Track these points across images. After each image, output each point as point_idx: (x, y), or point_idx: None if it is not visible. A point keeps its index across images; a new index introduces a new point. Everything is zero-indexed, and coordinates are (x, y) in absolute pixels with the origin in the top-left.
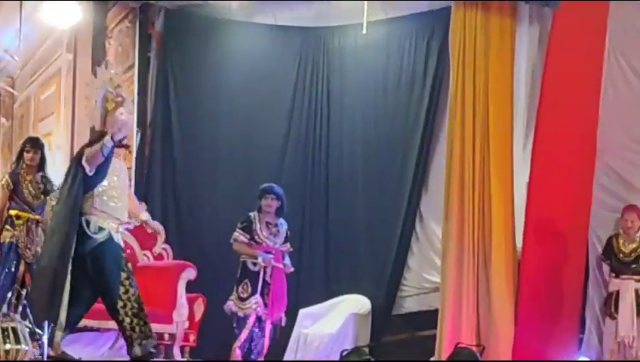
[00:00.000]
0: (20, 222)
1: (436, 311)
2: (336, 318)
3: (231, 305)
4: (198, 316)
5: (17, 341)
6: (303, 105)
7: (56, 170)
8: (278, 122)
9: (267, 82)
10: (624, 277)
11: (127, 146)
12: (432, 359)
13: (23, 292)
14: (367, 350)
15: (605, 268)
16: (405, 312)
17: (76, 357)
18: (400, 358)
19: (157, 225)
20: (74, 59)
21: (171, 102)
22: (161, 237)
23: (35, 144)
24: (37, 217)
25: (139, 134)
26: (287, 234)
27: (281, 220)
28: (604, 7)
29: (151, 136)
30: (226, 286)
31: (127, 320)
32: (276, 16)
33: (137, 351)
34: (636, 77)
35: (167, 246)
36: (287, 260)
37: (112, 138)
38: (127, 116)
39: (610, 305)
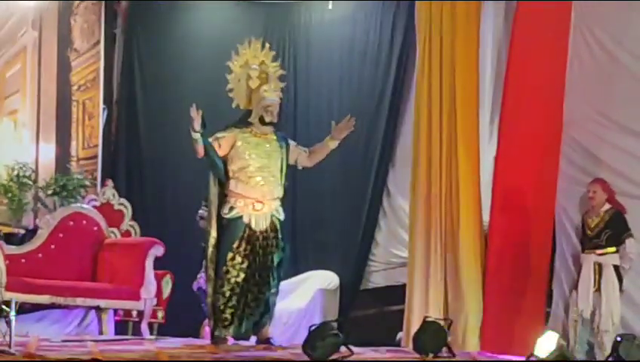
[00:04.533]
0: None
1: (404, 285)
2: (305, 294)
3: (201, 282)
4: (166, 293)
5: None
6: None
7: (23, 147)
8: None
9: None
10: (587, 251)
11: (273, 124)
12: (399, 333)
13: None
14: (335, 325)
15: (574, 240)
16: (373, 287)
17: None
18: (368, 333)
19: None
20: (39, 36)
21: (137, 78)
22: (128, 214)
23: None
24: None
25: (105, 111)
26: None
27: None
28: None
29: (117, 112)
30: (192, 264)
31: (228, 303)
32: None
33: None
34: (601, 50)
35: (134, 223)
36: None
37: (260, 120)
38: (273, 93)
39: (577, 278)
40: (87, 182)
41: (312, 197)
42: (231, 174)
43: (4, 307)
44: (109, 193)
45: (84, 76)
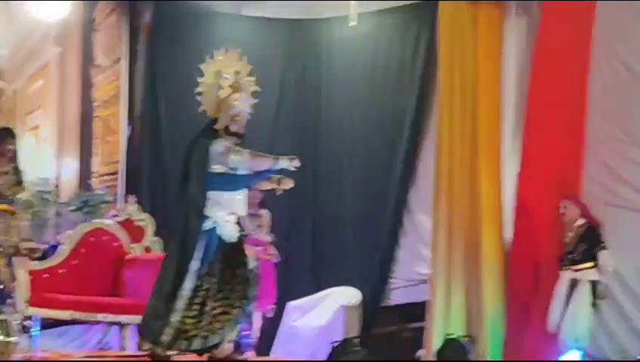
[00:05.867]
0: None
1: (424, 303)
2: (326, 310)
3: None
4: None
5: (7, 333)
6: (290, 97)
7: (45, 163)
8: (266, 115)
9: (255, 75)
10: (564, 268)
11: (239, 135)
12: (421, 350)
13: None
14: (357, 341)
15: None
16: (394, 304)
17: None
18: (390, 350)
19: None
20: (62, 52)
21: (160, 94)
22: (151, 230)
23: (14, 135)
24: (12, 209)
25: (127, 127)
26: (269, 224)
27: (264, 210)
28: None
29: (140, 128)
30: None
31: (190, 313)
32: (264, 8)
33: (197, 344)
34: (624, 67)
35: (155, 238)
36: (273, 249)
37: (226, 129)
38: (243, 103)
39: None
40: (108, 198)
41: (334, 213)
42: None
43: (26, 322)
44: (131, 209)
45: (106, 92)
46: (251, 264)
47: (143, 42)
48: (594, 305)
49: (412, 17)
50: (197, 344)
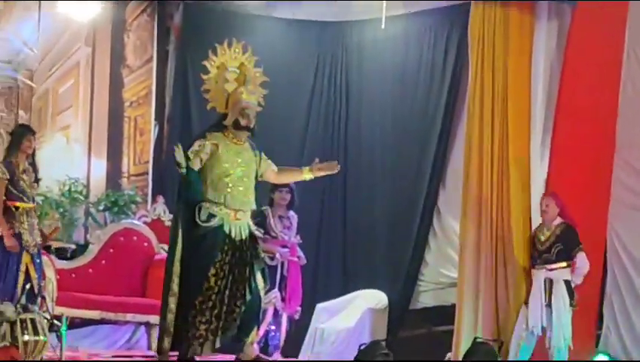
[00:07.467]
0: (19, 212)
1: (453, 306)
2: (353, 313)
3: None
4: None
5: (36, 332)
6: (321, 100)
7: (75, 162)
8: (297, 117)
9: (285, 77)
10: (537, 266)
11: (249, 129)
12: (449, 354)
13: (28, 285)
14: (384, 344)
15: (625, 263)
16: (422, 307)
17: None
18: (417, 353)
19: None
20: (92, 53)
21: (190, 95)
22: None
23: (34, 132)
24: (32, 206)
25: (156, 127)
26: (297, 225)
27: (292, 212)
28: (624, 3)
29: (169, 129)
30: None
31: (202, 319)
32: (295, 10)
33: (207, 347)
34: None
35: None
36: (300, 252)
37: (236, 123)
38: (251, 96)
39: (528, 293)
40: (138, 198)
41: (362, 217)
42: (209, 181)
43: (55, 321)
44: (160, 209)
45: (136, 93)
46: (261, 264)
47: (174, 43)
48: (572, 305)
49: (443, 20)
50: (207, 347)
